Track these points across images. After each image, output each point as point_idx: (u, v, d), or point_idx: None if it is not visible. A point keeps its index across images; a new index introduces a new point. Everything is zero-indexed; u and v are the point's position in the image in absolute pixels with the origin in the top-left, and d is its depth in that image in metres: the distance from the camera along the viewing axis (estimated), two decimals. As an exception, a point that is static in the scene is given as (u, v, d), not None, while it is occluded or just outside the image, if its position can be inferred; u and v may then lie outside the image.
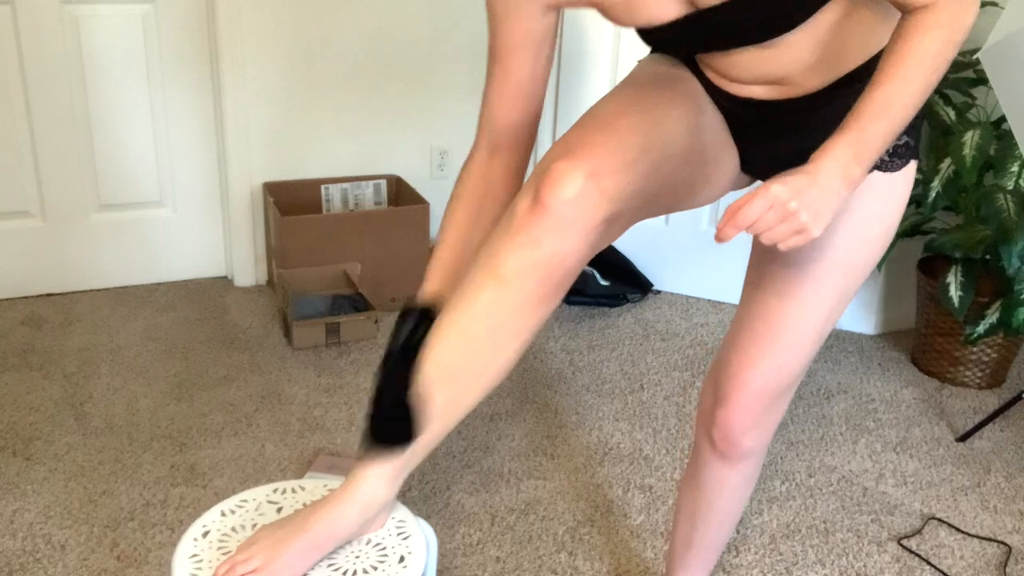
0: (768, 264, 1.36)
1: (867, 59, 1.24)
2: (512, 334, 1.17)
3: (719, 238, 1.09)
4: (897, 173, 1.30)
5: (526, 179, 1.21)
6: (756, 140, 1.36)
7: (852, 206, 1.30)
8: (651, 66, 1.34)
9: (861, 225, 1.30)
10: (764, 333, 1.37)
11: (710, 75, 1.31)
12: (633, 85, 1.28)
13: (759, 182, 2.18)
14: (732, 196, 3.10)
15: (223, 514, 1.29)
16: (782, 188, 1.06)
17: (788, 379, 1.40)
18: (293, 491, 1.34)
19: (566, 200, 1.11)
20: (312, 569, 1.20)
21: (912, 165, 1.32)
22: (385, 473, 1.20)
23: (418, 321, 1.22)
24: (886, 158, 1.29)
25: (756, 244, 1.41)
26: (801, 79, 1.24)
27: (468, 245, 1.32)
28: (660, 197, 1.24)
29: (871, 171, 1.29)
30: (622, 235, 1.24)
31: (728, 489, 1.55)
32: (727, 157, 1.36)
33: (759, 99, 1.28)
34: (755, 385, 1.40)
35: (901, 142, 1.30)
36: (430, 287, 1.31)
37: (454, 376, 1.18)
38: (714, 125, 1.33)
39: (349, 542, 1.24)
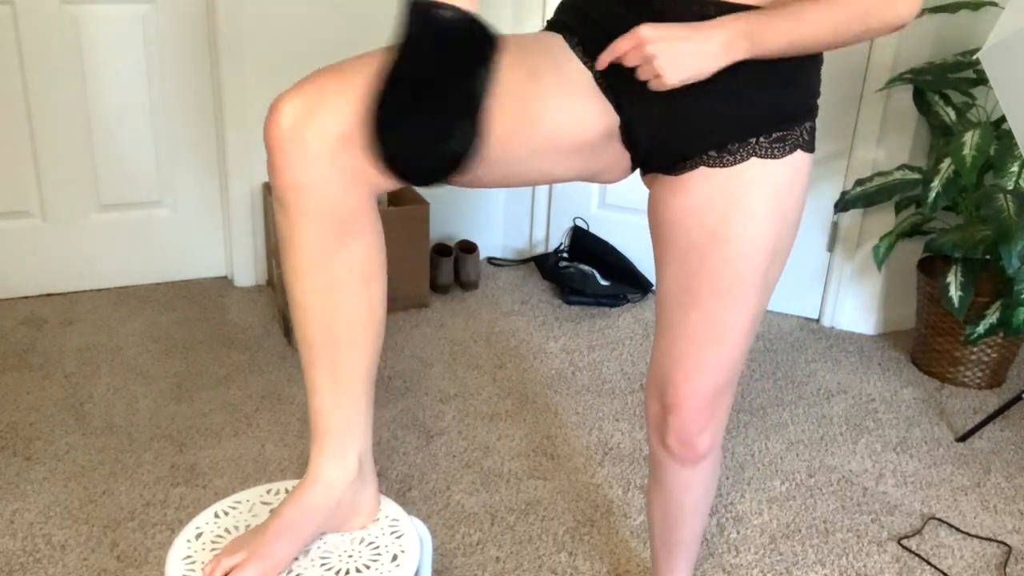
0: (697, 269, 1.33)
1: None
2: (335, 286, 1.16)
3: (598, 64, 1.23)
4: (811, 155, 1.34)
5: None
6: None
7: (781, 192, 1.30)
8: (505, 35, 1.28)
9: (790, 209, 1.32)
10: (707, 336, 1.35)
11: None
12: None
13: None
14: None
15: (217, 516, 1.29)
16: (649, 31, 1.15)
17: (733, 372, 1.40)
18: (287, 492, 1.34)
19: (283, 133, 1.09)
20: (304, 568, 1.20)
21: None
22: (335, 453, 1.22)
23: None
24: (807, 137, 1.32)
25: (674, 253, 1.36)
26: None
27: None
28: None
29: (796, 151, 1.30)
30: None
31: (693, 488, 1.55)
32: (571, 118, 1.26)
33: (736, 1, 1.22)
34: (704, 389, 1.39)
35: (809, 127, 1.33)
36: None
37: (321, 348, 1.19)
38: (560, 84, 1.25)
39: (327, 528, 1.25)
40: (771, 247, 1.31)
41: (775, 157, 1.29)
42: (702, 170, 1.30)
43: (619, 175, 1.38)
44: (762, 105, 1.27)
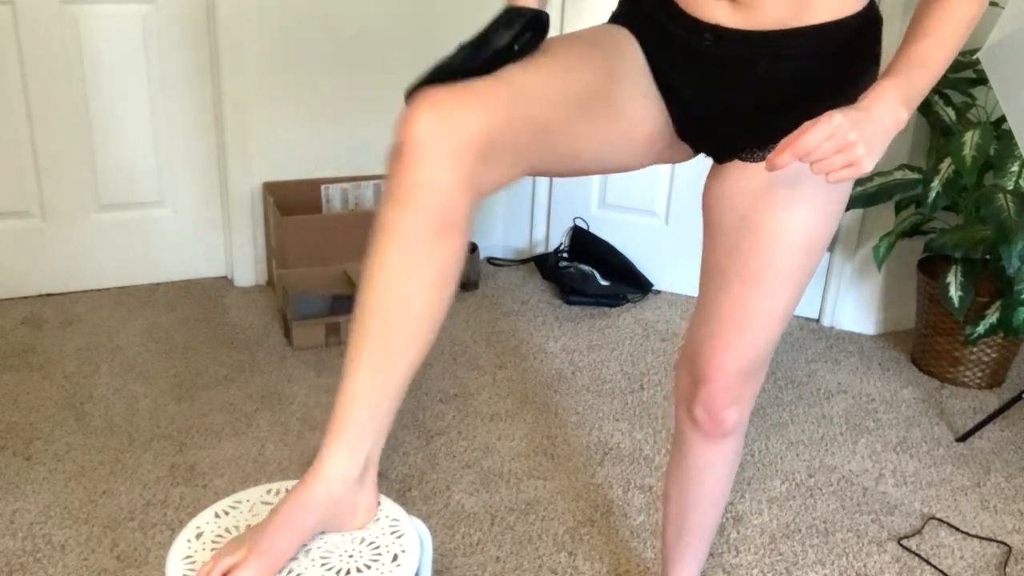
0: (729, 252, 1.39)
1: (832, 18, 1.26)
2: (415, 277, 1.20)
3: (772, 166, 1.11)
4: None
5: None
6: (702, 89, 1.34)
7: (814, 186, 1.32)
8: (580, 32, 1.37)
9: (822, 201, 1.33)
10: (733, 319, 1.40)
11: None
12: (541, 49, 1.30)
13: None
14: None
15: (217, 515, 1.29)
16: (843, 118, 1.09)
17: (762, 355, 1.44)
18: (287, 492, 1.34)
19: (416, 136, 1.15)
20: (305, 568, 1.20)
21: None
22: (346, 448, 1.23)
23: (525, 26, 1.22)
24: None
25: (712, 233, 1.42)
26: (765, 1, 1.25)
27: None
28: (547, 141, 1.24)
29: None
30: (521, 177, 1.28)
31: (714, 468, 1.58)
32: (643, 113, 1.35)
33: (721, 25, 1.27)
34: (731, 367, 1.44)
35: None
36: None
37: (375, 337, 1.20)
38: (632, 80, 1.34)
39: (327, 525, 1.24)
40: (802, 241, 1.34)
41: None
42: (737, 160, 1.37)
43: (683, 157, 1.46)
44: (808, 113, 1.29)
